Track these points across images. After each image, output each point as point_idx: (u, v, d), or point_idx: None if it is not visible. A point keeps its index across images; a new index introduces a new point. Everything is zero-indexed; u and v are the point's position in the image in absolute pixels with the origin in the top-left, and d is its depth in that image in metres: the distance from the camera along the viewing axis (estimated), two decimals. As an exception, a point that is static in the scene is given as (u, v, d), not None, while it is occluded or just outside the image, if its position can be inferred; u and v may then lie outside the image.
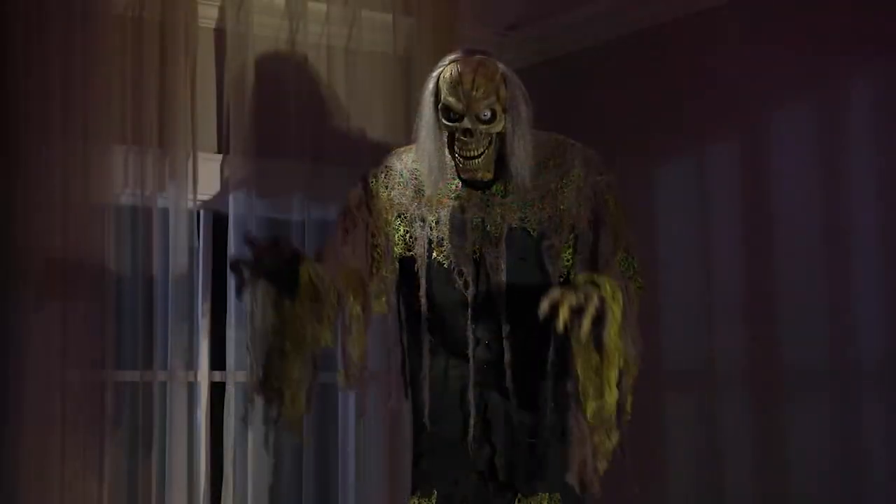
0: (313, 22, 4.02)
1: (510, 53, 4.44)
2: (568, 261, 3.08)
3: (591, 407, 2.81)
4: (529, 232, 3.08)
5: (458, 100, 3.00)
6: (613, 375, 2.80)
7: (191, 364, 3.77)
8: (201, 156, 3.82)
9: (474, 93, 2.99)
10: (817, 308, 3.58)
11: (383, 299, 3.15)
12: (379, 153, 3.51)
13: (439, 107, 3.04)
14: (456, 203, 3.12)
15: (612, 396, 2.81)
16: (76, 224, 3.53)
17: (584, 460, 2.84)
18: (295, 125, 3.95)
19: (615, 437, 2.90)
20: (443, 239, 3.11)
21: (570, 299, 2.71)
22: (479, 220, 3.10)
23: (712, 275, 3.88)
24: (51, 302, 3.47)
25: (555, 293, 2.73)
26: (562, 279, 3.06)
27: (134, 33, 3.71)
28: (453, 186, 3.12)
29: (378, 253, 3.15)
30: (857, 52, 3.54)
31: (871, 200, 3.49)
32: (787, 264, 3.67)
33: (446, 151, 3.08)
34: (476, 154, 3.04)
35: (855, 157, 3.54)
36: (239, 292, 2.89)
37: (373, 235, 3.15)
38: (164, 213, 3.74)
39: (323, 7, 4.04)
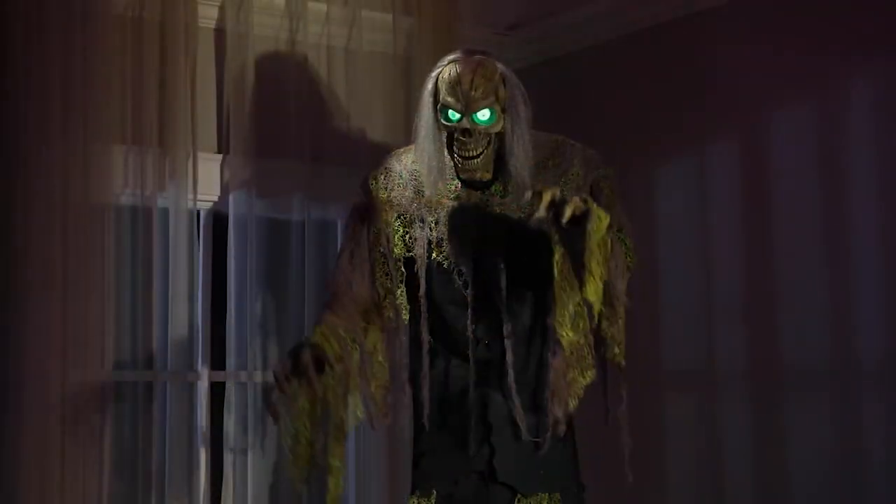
0: (313, 22, 4.02)
1: (510, 53, 4.44)
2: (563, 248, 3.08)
3: (566, 339, 2.88)
4: (529, 232, 3.08)
5: (457, 100, 3.00)
6: (597, 266, 2.81)
7: (191, 364, 3.77)
8: (201, 156, 3.81)
9: (473, 93, 2.99)
10: (817, 308, 3.58)
11: (404, 311, 3.18)
12: (379, 153, 3.51)
13: (438, 107, 3.04)
14: (455, 203, 3.12)
15: (595, 284, 2.82)
16: (76, 224, 3.53)
17: (557, 395, 2.94)
18: (295, 125, 3.95)
19: (590, 375, 3.03)
20: (442, 239, 3.12)
21: (555, 190, 2.76)
22: (479, 219, 3.10)
23: (712, 275, 3.88)
24: (51, 302, 3.46)
25: (541, 186, 2.79)
26: (556, 264, 3.06)
27: (134, 33, 3.71)
28: (452, 187, 3.12)
29: (383, 273, 3.16)
30: (857, 52, 3.54)
31: (871, 200, 3.49)
32: (787, 264, 3.67)
33: (445, 152, 3.08)
34: (475, 154, 3.04)
35: (855, 157, 3.53)
36: (275, 418, 3.03)
37: (381, 247, 3.16)
38: (164, 213, 3.73)
39: (323, 7, 4.04)
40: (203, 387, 3.81)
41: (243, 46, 3.90)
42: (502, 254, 3.07)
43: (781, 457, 3.65)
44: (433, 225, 3.13)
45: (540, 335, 3.08)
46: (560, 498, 3.09)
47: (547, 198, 2.73)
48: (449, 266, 3.10)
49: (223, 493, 3.78)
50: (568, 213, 2.73)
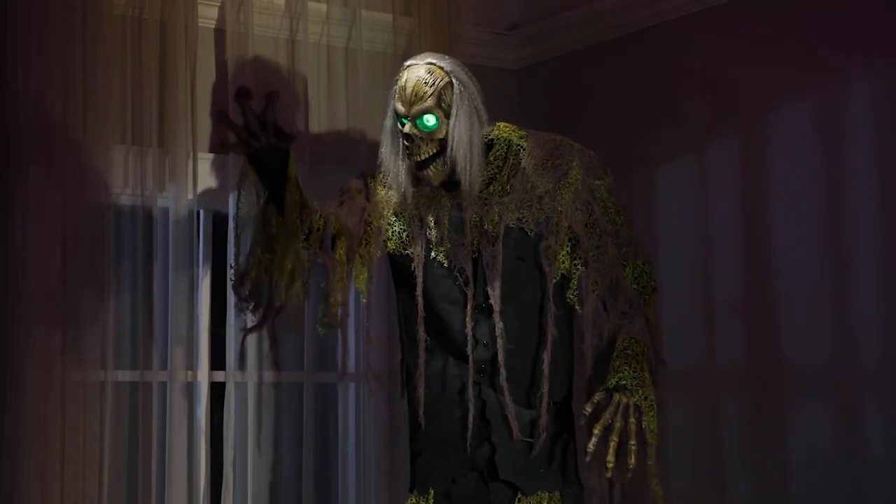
0: (313, 22, 4.02)
1: (510, 53, 4.46)
2: (564, 262, 3.09)
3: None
4: (526, 232, 3.09)
5: (403, 105, 3.02)
6: (657, 483, 3.00)
7: (191, 364, 3.77)
8: (201, 156, 3.81)
9: (414, 99, 3.00)
10: (817, 308, 3.58)
11: (363, 277, 3.17)
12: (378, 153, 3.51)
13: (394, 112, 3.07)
14: (454, 202, 3.12)
15: (656, 485, 3.00)
16: (76, 224, 3.53)
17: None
18: (295, 125, 3.95)
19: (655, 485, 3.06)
20: (442, 238, 3.12)
21: (614, 441, 2.87)
22: (478, 218, 3.10)
23: (712, 274, 3.88)
24: (51, 302, 3.46)
25: (597, 429, 2.87)
26: (556, 279, 3.06)
27: (134, 33, 3.71)
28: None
29: (370, 230, 3.17)
30: (857, 52, 3.54)
31: (871, 200, 3.49)
32: (787, 264, 3.67)
33: (400, 156, 3.09)
34: (420, 160, 3.05)
35: (855, 156, 3.54)
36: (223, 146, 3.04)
37: (368, 215, 3.17)
38: (164, 213, 3.73)
39: (323, 7, 4.04)
40: (203, 387, 3.81)
41: (243, 46, 3.89)
42: (500, 253, 3.07)
43: (781, 457, 3.65)
44: (432, 224, 3.13)
45: (536, 335, 3.08)
46: (560, 497, 3.09)
47: (612, 458, 2.87)
48: (449, 265, 3.11)
49: (223, 493, 3.78)
50: (633, 462, 2.90)
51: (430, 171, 3.06)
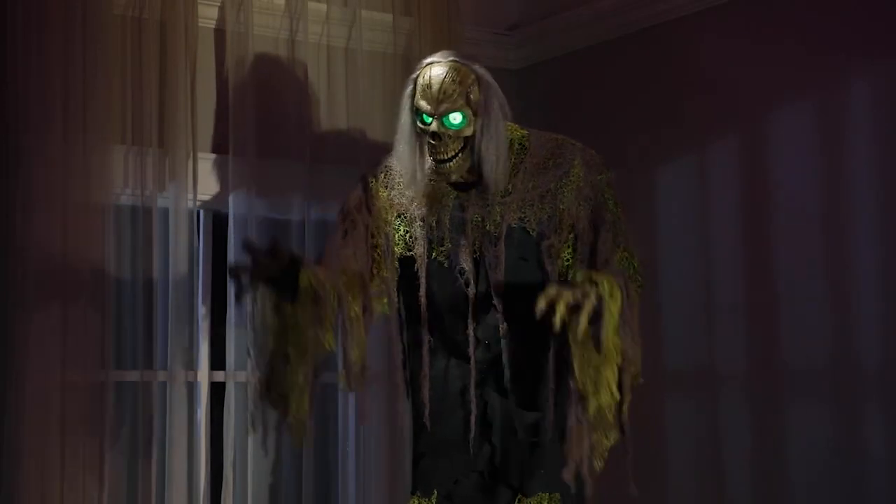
0: (313, 22, 4.02)
1: (510, 53, 4.46)
2: (567, 260, 3.08)
3: (592, 404, 2.81)
4: (529, 231, 3.08)
5: (429, 104, 3.01)
6: (611, 374, 2.81)
7: (191, 364, 3.77)
8: (201, 156, 3.81)
9: (442, 97, 3.00)
10: (817, 308, 3.58)
11: (385, 300, 3.16)
12: (379, 153, 3.51)
13: (414, 110, 3.05)
14: (456, 202, 3.12)
15: (607, 395, 2.81)
16: (76, 224, 3.53)
17: (580, 458, 2.85)
18: (295, 125, 3.95)
19: (613, 437, 2.93)
20: (443, 238, 3.11)
21: (567, 296, 2.72)
22: (479, 219, 3.10)
23: (712, 275, 3.88)
24: (51, 302, 3.46)
25: (551, 290, 2.74)
26: (561, 279, 3.06)
27: (134, 33, 3.71)
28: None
29: (378, 254, 3.15)
30: (857, 52, 3.54)
31: (871, 200, 3.49)
32: (787, 264, 3.67)
33: (418, 154, 3.08)
34: (445, 158, 3.04)
35: (855, 157, 3.54)
36: (238, 297, 2.90)
37: (372, 236, 3.15)
38: (164, 213, 3.73)
39: (323, 7, 4.04)
40: (203, 387, 3.81)
41: (243, 46, 3.89)
42: (502, 253, 3.07)
43: (781, 457, 3.66)
44: (434, 224, 3.13)
45: (538, 335, 3.08)
46: (560, 498, 3.09)
47: (560, 311, 2.71)
48: (450, 265, 3.10)
49: (223, 493, 3.78)
50: (583, 324, 2.72)
51: (452, 167, 3.05)
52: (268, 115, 3.92)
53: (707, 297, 3.89)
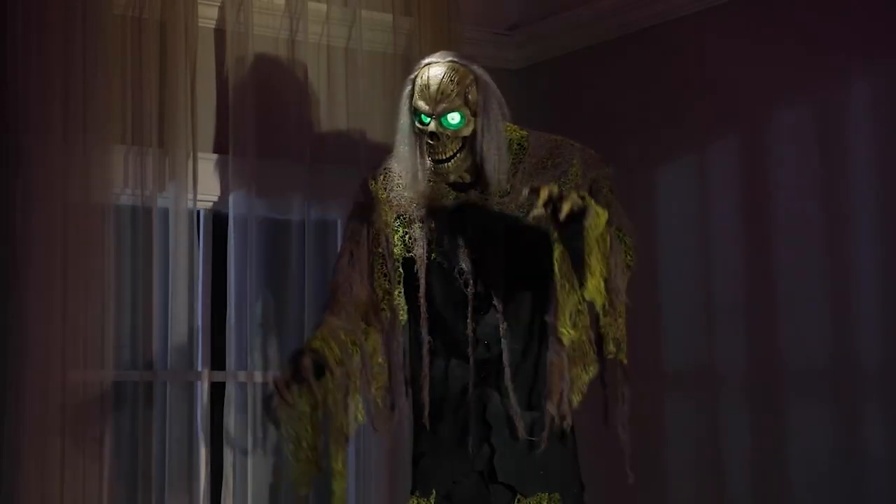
0: (313, 22, 4.02)
1: (510, 53, 4.46)
2: (562, 246, 3.08)
3: (566, 336, 2.89)
4: (528, 231, 3.08)
5: (427, 104, 3.01)
6: (596, 262, 2.82)
7: (191, 364, 3.77)
8: (201, 156, 3.81)
9: (440, 97, 3.00)
10: (817, 308, 3.58)
11: (402, 312, 3.18)
12: (379, 153, 3.51)
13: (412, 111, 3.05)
14: (455, 203, 3.12)
15: (595, 280, 2.84)
16: (76, 224, 3.53)
17: (560, 394, 2.92)
18: (295, 125, 3.95)
19: (592, 370, 3.02)
20: (442, 239, 3.12)
21: (553, 187, 2.74)
22: (478, 219, 3.10)
23: (712, 275, 3.88)
24: (51, 302, 3.46)
25: (537, 185, 2.77)
26: (556, 262, 3.06)
27: (134, 33, 3.71)
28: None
29: (383, 271, 3.16)
30: (857, 52, 3.54)
31: (871, 200, 3.49)
32: (787, 264, 3.67)
33: (419, 154, 3.08)
34: (444, 158, 3.04)
35: (855, 157, 3.54)
36: (278, 425, 3.02)
37: (377, 246, 3.15)
38: (164, 213, 3.73)
39: (323, 7, 4.04)
40: (203, 387, 3.81)
41: (243, 46, 3.89)
42: (502, 253, 3.07)
43: (781, 457, 3.66)
44: (433, 225, 3.13)
45: (538, 334, 3.08)
46: (560, 498, 3.09)
47: (544, 195, 2.73)
48: (448, 266, 3.10)
49: (223, 493, 3.78)
50: (566, 208, 2.72)
51: (450, 167, 3.05)
52: (268, 115, 3.92)
53: (707, 297, 3.88)
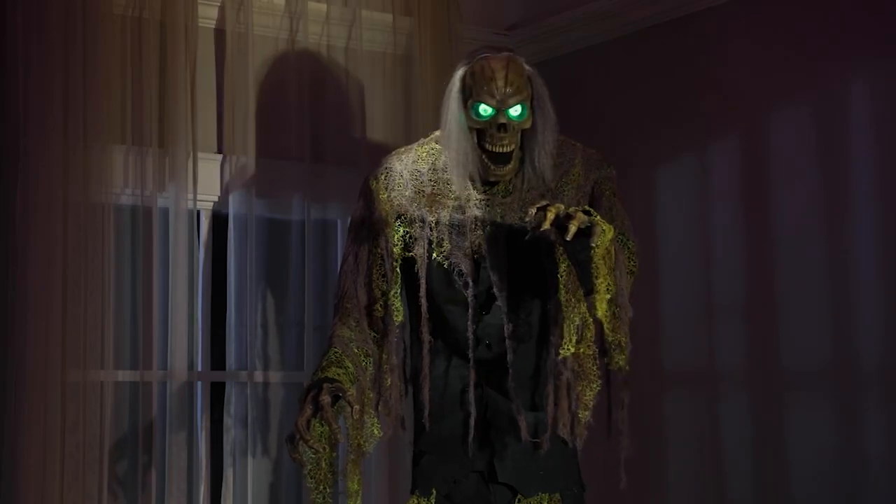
0: (313, 22, 4.02)
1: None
2: (567, 260, 3.08)
3: (566, 349, 2.88)
4: (529, 231, 3.08)
5: (492, 95, 3.00)
6: (603, 282, 2.81)
7: (191, 364, 3.77)
8: (201, 156, 3.81)
9: (507, 88, 3.00)
10: (817, 308, 3.58)
11: (396, 312, 3.18)
12: (379, 153, 3.51)
13: (469, 104, 3.04)
14: (456, 203, 3.12)
15: (602, 302, 2.82)
16: (76, 224, 3.53)
17: (569, 411, 2.94)
18: (295, 125, 3.95)
19: (597, 385, 3.01)
20: (443, 239, 3.11)
21: (559, 206, 2.74)
22: (480, 219, 3.10)
23: (712, 275, 3.88)
24: (51, 302, 3.46)
25: (544, 201, 2.76)
26: (561, 277, 3.06)
27: (134, 33, 3.71)
28: (453, 186, 3.12)
29: (385, 267, 3.15)
30: (857, 53, 3.54)
31: (871, 200, 3.49)
32: (787, 264, 3.67)
33: (471, 150, 3.07)
34: (509, 150, 3.03)
35: (855, 156, 3.54)
36: (294, 458, 2.95)
37: (377, 246, 3.15)
38: (164, 213, 3.73)
39: (323, 7, 4.04)
40: (203, 387, 3.81)
41: (243, 46, 3.90)
42: (503, 253, 3.07)
43: (781, 457, 3.66)
44: (433, 225, 3.13)
45: (541, 335, 3.08)
46: (560, 498, 3.09)
47: (551, 214, 2.72)
48: (449, 266, 3.10)
49: (223, 493, 3.78)
50: (573, 229, 2.71)
51: (509, 168, 3.06)
52: (268, 115, 3.92)
53: (707, 297, 3.88)
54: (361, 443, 3.03)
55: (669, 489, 3.96)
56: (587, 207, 2.83)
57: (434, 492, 3.11)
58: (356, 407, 2.92)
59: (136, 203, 3.72)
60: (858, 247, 3.51)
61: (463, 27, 4.23)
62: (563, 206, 2.75)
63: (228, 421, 3.80)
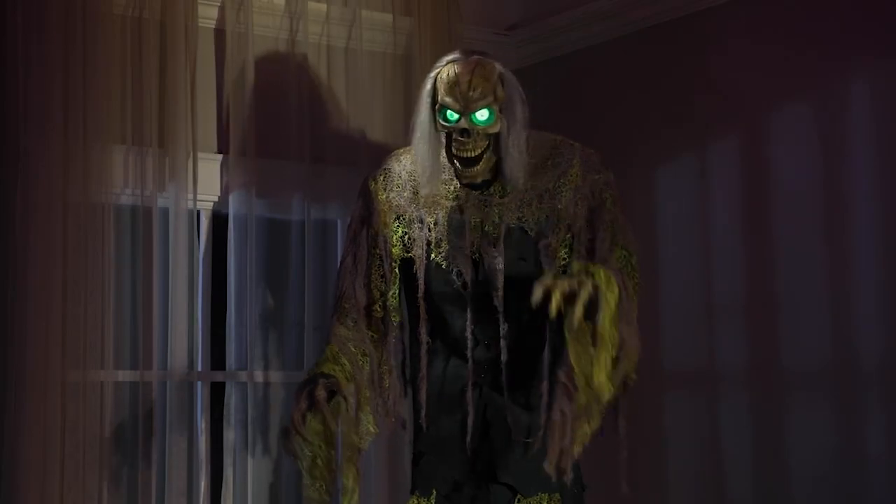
0: (313, 22, 4.02)
1: (510, 53, 4.45)
2: (564, 260, 3.08)
3: (581, 399, 2.80)
4: (527, 231, 3.09)
5: (456, 100, 2.99)
6: (605, 358, 2.77)
7: (191, 364, 3.77)
8: (201, 156, 3.81)
9: (471, 93, 2.99)
10: (817, 308, 3.58)
11: (393, 313, 3.17)
12: (379, 153, 3.51)
13: (436, 107, 3.04)
14: (454, 204, 3.12)
15: (601, 375, 2.77)
16: (76, 224, 3.53)
17: (562, 449, 2.83)
18: (295, 125, 3.95)
19: (595, 423, 2.92)
20: (441, 240, 3.12)
21: (563, 285, 2.71)
22: (478, 220, 3.10)
23: (712, 275, 3.88)
24: (51, 302, 3.46)
25: (547, 279, 2.73)
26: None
27: (134, 33, 3.71)
28: (451, 187, 3.12)
29: (384, 268, 3.15)
30: (857, 53, 3.54)
31: (871, 200, 3.49)
32: (787, 264, 3.67)
33: (443, 153, 3.08)
34: (473, 156, 3.03)
35: (855, 156, 3.54)
36: (295, 455, 2.96)
37: (376, 246, 3.15)
38: (164, 213, 3.73)
39: (323, 7, 4.04)
40: (203, 387, 3.81)
41: (243, 46, 3.89)
42: (501, 254, 3.07)
43: (781, 457, 3.66)
44: (432, 225, 3.13)
45: (537, 335, 3.08)
46: (560, 498, 3.09)
47: (557, 298, 2.69)
48: (447, 267, 3.10)
49: (223, 493, 3.78)
50: (578, 312, 2.69)
51: (479, 169, 3.05)
52: (268, 115, 3.92)
53: (707, 297, 3.88)
54: (357, 440, 3.02)
55: (669, 489, 3.96)
56: (590, 266, 2.78)
57: (434, 492, 3.11)
58: (351, 401, 2.92)
59: (136, 203, 3.72)
60: (858, 247, 3.51)
61: (463, 27, 4.22)
62: (565, 284, 2.70)
63: (228, 421, 3.80)
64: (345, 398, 2.89)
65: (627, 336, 2.81)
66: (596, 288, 2.73)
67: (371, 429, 3.10)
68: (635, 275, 3.06)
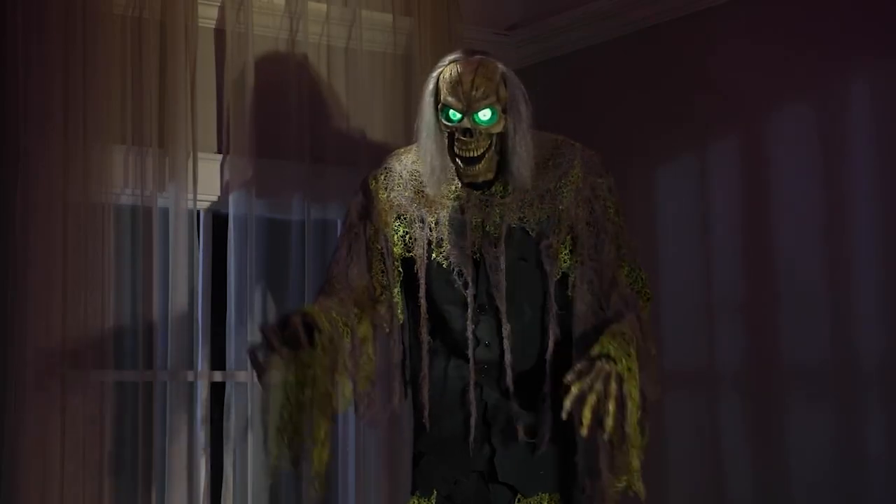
0: (313, 22, 4.02)
1: (510, 53, 4.45)
2: (565, 261, 3.08)
3: (615, 488, 2.89)
4: (528, 232, 3.08)
5: (458, 100, 2.99)
6: (636, 455, 2.85)
7: (191, 364, 3.77)
8: (201, 156, 3.81)
9: (474, 93, 2.99)
10: (817, 308, 3.58)
11: (399, 311, 3.16)
12: (379, 153, 3.51)
13: (439, 107, 3.04)
14: (455, 204, 3.12)
15: (634, 474, 2.87)
16: (76, 224, 3.53)
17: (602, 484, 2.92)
18: (295, 125, 3.95)
19: (624, 480, 2.94)
20: (442, 240, 3.11)
21: (592, 399, 2.72)
22: (479, 220, 3.10)
23: (712, 275, 3.88)
24: (51, 301, 3.46)
25: (575, 388, 2.73)
26: (557, 278, 3.06)
27: (134, 33, 3.71)
28: (453, 187, 3.12)
29: (382, 261, 3.15)
30: (857, 53, 3.54)
31: (871, 200, 3.49)
32: (787, 264, 3.67)
33: (446, 153, 3.07)
34: (476, 155, 3.03)
35: (855, 157, 3.54)
36: (261, 377, 2.91)
37: (375, 242, 3.15)
38: (164, 213, 3.73)
39: (323, 7, 4.04)
40: (203, 387, 3.81)
41: (243, 46, 3.90)
42: (502, 254, 3.07)
43: (781, 457, 3.66)
44: (433, 225, 3.13)
45: (539, 335, 3.08)
46: (560, 498, 3.09)
47: (587, 417, 2.71)
48: (448, 266, 3.10)
49: (223, 493, 3.78)
50: (610, 425, 2.74)
51: (480, 168, 3.05)
52: (268, 115, 3.92)
53: (707, 296, 3.88)
54: (332, 396, 2.91)
55: (669, 489, 3.96)
56: (607, 345, 2.81)
57: (434, 492, 3.10)
58: (326, 341, 2.86)
59: (136, 203, 3.72)
60: (858, 247, 3.51)
61: (463, 27, 4.23)
62: (593, 398, 2.73)
63: (228, 421, 3.80)
64: (320, 331, 2.84)
65: (649, 393, 2.92)
66: (620, 380, 2.76)
67: (346, 394, 3.02)
68: (646, 290, 3.10)
